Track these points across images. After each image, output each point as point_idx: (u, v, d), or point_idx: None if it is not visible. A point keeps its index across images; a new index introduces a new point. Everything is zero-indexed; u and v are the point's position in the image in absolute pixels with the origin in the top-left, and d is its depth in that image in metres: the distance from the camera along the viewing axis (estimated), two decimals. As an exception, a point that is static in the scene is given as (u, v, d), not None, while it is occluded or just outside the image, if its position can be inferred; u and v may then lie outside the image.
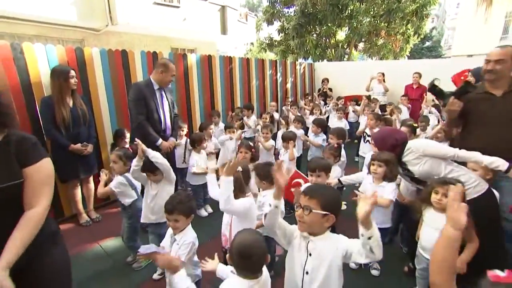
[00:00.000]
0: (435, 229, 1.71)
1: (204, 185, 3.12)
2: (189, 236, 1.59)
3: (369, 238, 1.12)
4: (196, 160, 3.10)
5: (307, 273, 1.26)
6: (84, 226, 3.04)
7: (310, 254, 1.26)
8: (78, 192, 3.06)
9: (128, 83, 3.59)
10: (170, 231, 1.66)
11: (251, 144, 2.81)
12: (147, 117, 2.79)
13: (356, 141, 5.49)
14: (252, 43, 17.17)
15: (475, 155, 1.86)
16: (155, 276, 2.27)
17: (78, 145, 2.82)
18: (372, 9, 8.86)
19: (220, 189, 1.62)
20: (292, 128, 4.05)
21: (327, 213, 1.21)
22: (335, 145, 3.04)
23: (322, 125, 3.83)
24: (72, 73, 2.77)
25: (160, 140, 2.83)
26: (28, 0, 6.93)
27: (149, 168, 2.05)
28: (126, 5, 8.62)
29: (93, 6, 8.19)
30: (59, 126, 2.70)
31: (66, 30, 7.85)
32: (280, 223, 1.31)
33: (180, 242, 1.56)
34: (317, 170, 1.98)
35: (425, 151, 1.95)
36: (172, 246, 1.59)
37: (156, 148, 2.63)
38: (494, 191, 1.91)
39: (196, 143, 3.12)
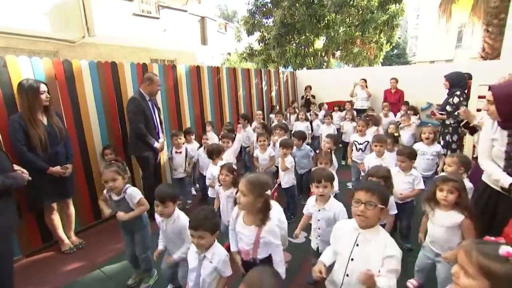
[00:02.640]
0: (441, 227, 1.82)
1: None
2: (220, 251, 1.55)
3: None
4: (212, 172, 2.89)
5: (352, 259, 1.39)
6: (67, 254, 2.76)
7: (357, 245, 1.39)
8: (56, 217, 2.77)
9: (118, 96, 3.47)
10: (193, 248, 1.59)
11: (234, 167, 2.48)
12: (145, 124, 3.19)
13: (340, 145, 5.71)
14: (229, 53, 17.34)
15: None
16: (166, 293, 2.17)
17: (58, 168, 2.57)
18: (348, 20, 9.38)
19: None
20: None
21: (384, 206, 1.34)
22: (328, 150, 3.13)
23: (303, 138, 3.63)
24: (43, 87, 2.48)
25: (156, 143, 3.29)
26: (-5, 11, 6.52)
27: None
28: (104, 16, 8.38)
29: (68, 17, 7.87)
30: (35, 147, 2.44)
31: (38, 42, 7.46)
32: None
33: (214, 260, 1.51)
34: (323, 180, 1.95)
35: None
36: (203, 263, 1.53)
37: (153, 150, 3.28)
38: None
39: (214, 154, 2.95)
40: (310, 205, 2.09)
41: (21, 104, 2.46)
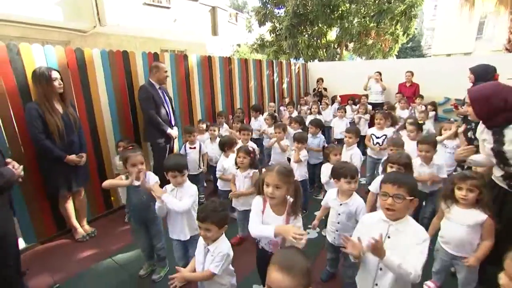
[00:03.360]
0: (460, 225, 1.72)
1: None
2: (223, 247, 1.50)
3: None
4: (223, 164, 2.88)
5: None
6: (80, 242, 2.80)
7: (389, 237, 1.35)
8: (70, 206, 2.81)
9: (129, 85, 3.44)
10: (201, 240, 1.56)
11: (251, 148, 2.64)
12: (155, 111, 3.23)
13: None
14: (238, 45, 17.09)
15: None
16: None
17: (73, 156, 2.58)
18: (363, 10, 9.04)
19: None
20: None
21: (413, 198, 1.30)
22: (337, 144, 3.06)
23: (320, 126, 3.69)
24: (55, 74, 2.46)
25: (169, 129, 3.35)
26: (11, 0, 6.56)
27: None
28: (115, 6, 8.35)
29: (80, 7, 7.88)
30: (52, 135, 2.45)
31: (51, 32, 7.51)
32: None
33: (215, 253, 1.47)
34: (356, 175, 1.91)
35: None
36: (206, 257, 1.50)
37: (166, 136, 3.34)
38: None
39: (226, 146, 2.91)
40: (331, 199, 2.01)
41: (36, 92, 2.47)
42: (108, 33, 8.52)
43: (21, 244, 2.62)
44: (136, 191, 2.05)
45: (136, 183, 2.02)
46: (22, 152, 2.55)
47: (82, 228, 2.91)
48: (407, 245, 1.29)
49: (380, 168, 2.89)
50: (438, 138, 3.04)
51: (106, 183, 2.10)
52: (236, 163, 2.53)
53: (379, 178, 2.26)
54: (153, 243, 2.24)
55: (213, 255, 1.47)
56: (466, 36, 17.23)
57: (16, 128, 2.51)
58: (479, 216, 1.66)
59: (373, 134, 3.57)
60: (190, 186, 2.00)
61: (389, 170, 2.08)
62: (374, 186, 2.28)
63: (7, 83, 2.45)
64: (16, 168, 1.74)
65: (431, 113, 4.79)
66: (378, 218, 1.42)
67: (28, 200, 2.63)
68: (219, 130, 3.81)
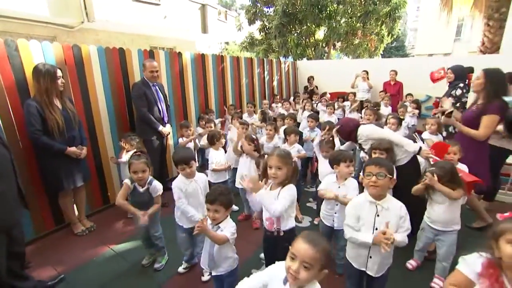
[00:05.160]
0: (443, 203, 2.02)
1: (225, 183, 3.06)
2: (231, 224, 1.67)
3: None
4: (214, 157, 3.04)
5: (376, 229, 1.52)
6: (80, 236, 2.85)
7: (378, 215, 1.53)
8: (71, 200, 2.85)
9: (125, 82, 3.49)
10: (208, 222, 1.69)
11: (254, 137, 2.98)
12: (148, 108, 3.30)
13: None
14: (227, 43, 17.09)
15: (405, 142, 2.38)
16: (180, 269, 2.29)
17: (74, 148, 2.63)
18: (350, 10, 9.33)
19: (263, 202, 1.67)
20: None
21: (391, 177, 1.53)
22: (330, 138, 3.25)
23: (318, 120, 3.98)
24: (59, 72, 2.51)
25: (161, 127, 3.41)
26: (-7, -7, 6.35)
27: None
28: (104, 2, 8.20)
29: (67, 1, 7.69)
30: (51, 132, 2.47)
31: (36, 26, 7.29)
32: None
33: (225, 229, 1.63)
34: (353, 160, 2.12)
35: (368, 136, 2.52)
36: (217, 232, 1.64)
37: (158, 133, 3.41)
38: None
39: (215, 138, 3.06)
40: (331, 182, 2.16)
41: (37, 88, 2.46)
42: (96, 29, 8.36)
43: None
44: (139, 194, 2.14)
45: (140, 189, 2.15)
46: (21, 148, 2.58)
47: (81, 223, 2.95)
48: (393, 221, 1.50)
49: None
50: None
51: (120, 203, 2.08)
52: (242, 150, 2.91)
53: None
54: (149, 232, 2.29)
55: (223, 230, 1.63)
56: (446, 37, 18.04)
57: (14, 124, 2.53)
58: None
59: None
60: (203, 176, 2.26)
61: (373, 155, 2.35)
62: None
63: (5, 79, 2.46)
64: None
65: (410, 108, 5.08)
66: (364, 199, 1.59)
67: (26, 196, 2.63)
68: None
